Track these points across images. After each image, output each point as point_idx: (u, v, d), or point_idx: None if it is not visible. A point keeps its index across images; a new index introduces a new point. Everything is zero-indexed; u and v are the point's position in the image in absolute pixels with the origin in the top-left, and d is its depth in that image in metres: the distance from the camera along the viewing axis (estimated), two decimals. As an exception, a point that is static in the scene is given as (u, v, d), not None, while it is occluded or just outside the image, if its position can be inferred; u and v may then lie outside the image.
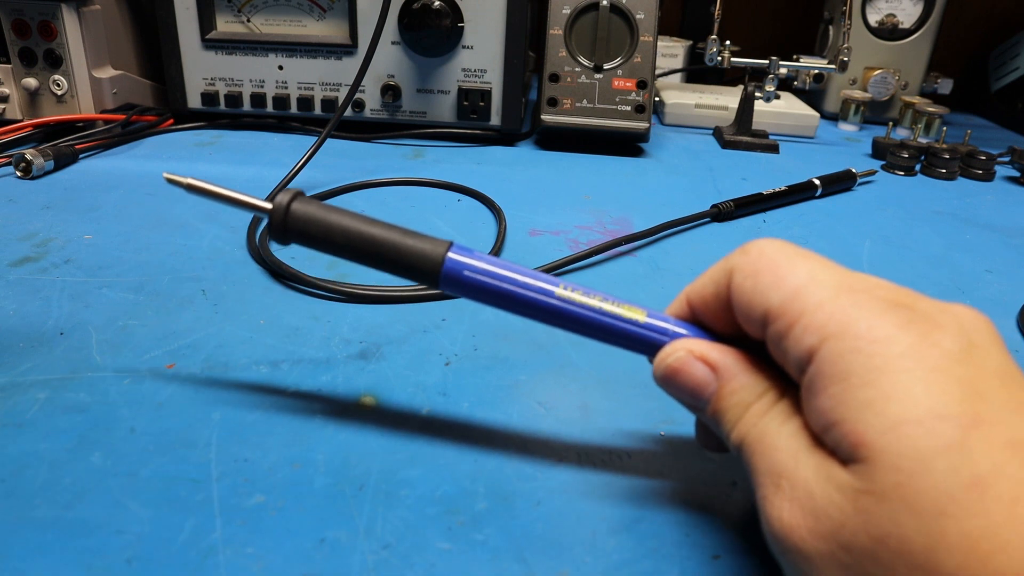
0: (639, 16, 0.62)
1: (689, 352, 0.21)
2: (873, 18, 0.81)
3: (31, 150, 0.51)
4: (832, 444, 0.17)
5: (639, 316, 0.22)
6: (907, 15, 0.80)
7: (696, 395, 0.21)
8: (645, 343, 0.22)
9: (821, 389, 0.18)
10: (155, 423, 0.27)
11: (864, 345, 0.17)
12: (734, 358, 0.21)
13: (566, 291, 0.22)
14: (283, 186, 0.49)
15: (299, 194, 0.23)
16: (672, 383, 0.22)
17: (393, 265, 0.23)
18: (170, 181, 0.23)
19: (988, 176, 0.65)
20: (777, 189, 0.53)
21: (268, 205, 0.23)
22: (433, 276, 0.23)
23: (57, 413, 0.27)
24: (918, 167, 0.66)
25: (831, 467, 0.17)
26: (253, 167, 0.56)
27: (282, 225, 0.23)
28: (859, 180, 0.60)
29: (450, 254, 0.23)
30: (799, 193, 0.54)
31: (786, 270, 0.19)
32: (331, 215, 0.23)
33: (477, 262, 0.23)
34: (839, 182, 0.58)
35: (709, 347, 0.21)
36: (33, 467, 0.24)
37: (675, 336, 0.22)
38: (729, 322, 0.22)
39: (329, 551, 0.22)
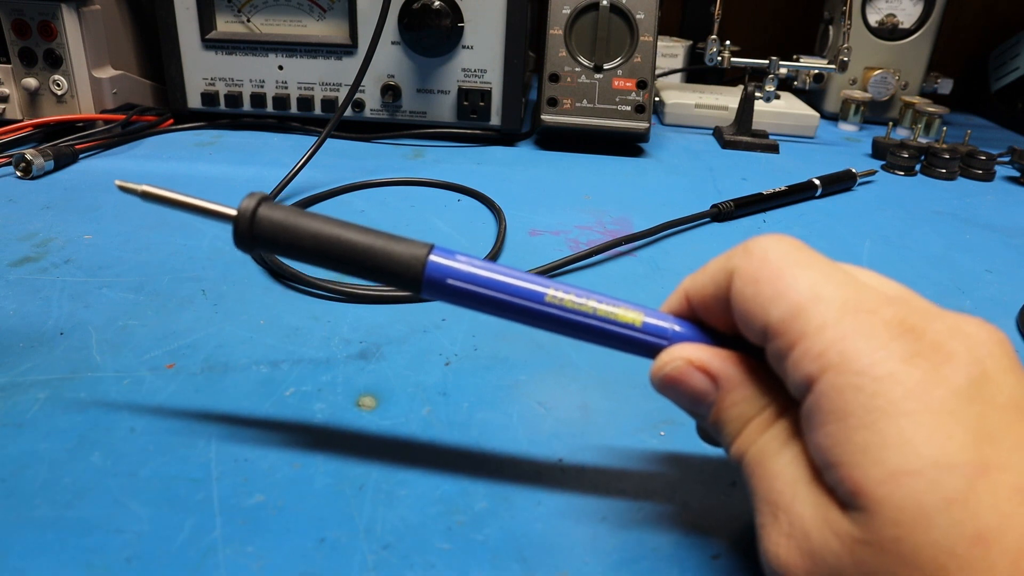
0: (639, 16, 0.62)
1: (688, 361, 0.20)
2: (873, 18, 0.81)
3: (31, 150, 0.51)
4: (831, 484, 0.17)
5: (635, 319, 0.21)
6: (907, 15, 0.80)
7: (695, 404, 0.21)
8: (643, 346, 0.21)
9: (819, 424, 0.17)
10: (155, 423, 0.27)
11: (866, 382, 0.16)
12: (735, 366, 0.20)
13: (557, 294, 0.21)
14: (282, 187, 0.49)
15: (266, 198, 0.22)
16: (670, 392, 0.21)
17: (370, 272, 0.21)
18: (123, 189, 0.22)
19: (988, 176, 0.65)
20: (777, 189, 0.53)
21: (232, 212, 0.22)
22: (415, 282, 0.21)
23: (57, 413, 0.27)
24: (918, 167, 0.66)
25: (829, 509, 0.17)
26: (253, 167, 0.56)
27: (248, 232, 0.21)
28: (859, 180, 0.60)
29: (432, 257, 0.21)
30: (799, 193, 0.54)
31: (788, 281, 0.18)
32: (301, 220, 0.21)
33: (461, 265, 0.21)
34: (839, 182, 0.58)
35: (710, 355, 0.20)
36: (33, 467, 0.24)
37: (674, 337, 0.21)
38: (730, 322, 0.21)
39: (329, 551, 0.22)
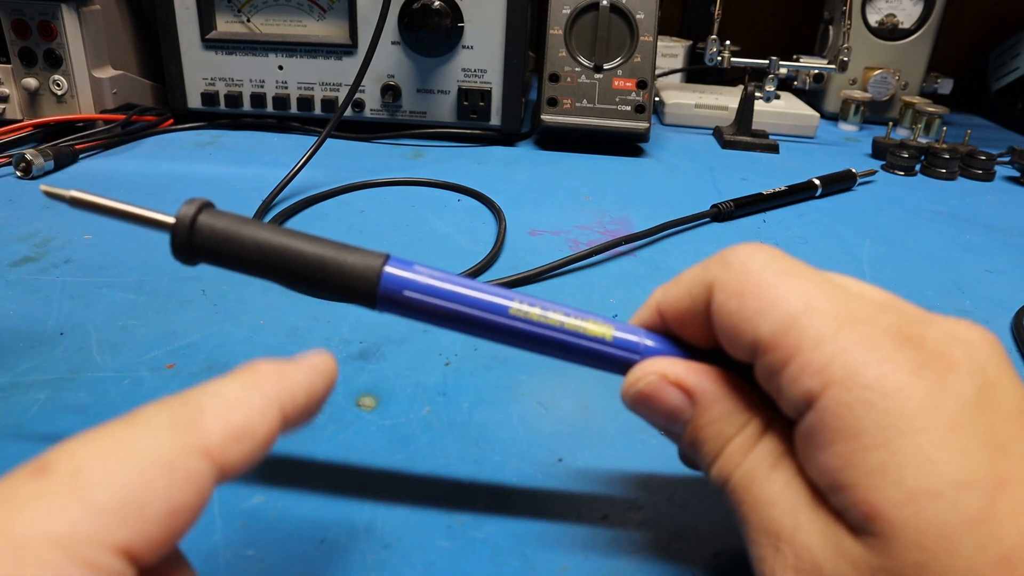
0: (639, 16, 0.62)
1: (662, 376, 0.19)
2: (873, 18, 0.81)
3: (31, 150, 0.51)
4: (839, 508, 0.16)
5: (605, 332, 0.20)
6: (907, 15, 0.80)
7: (670, 422, 0.20)
8: (613, 361, 0.20)
9: (826, 444, 0.16)
10: (155, 423, 0.27)
11: (876, 398, 0.15)
12: (712, 381, 0.19)
13: (522, 307, 0.20)
14: (282, 187, 0.49)
15: (207, 205, 0.20)
16: (643, 410, 0.20)
17: (321, 284, 0.20)
18: (49, 195, 0.19)
19: (988, 176, 0.65)
20: (777, 189, 0.53)
21: (170, 219, 0.20)
22: (369, 295, 0.20)
23: (57, 413, 0.27)
24: (918, 167, 0.66)
25: (839, 535, 0.16)
26: (253, 167, 0.56)
27: (187, 242, 0.20)
28: (859, 180, 0.60)
29: (387, 268, 0.20)
30: (799, 193, 0.54)
31: (776, 293, 0.17)
32: (246, 229, 0.20)
33: (419, 277, 0.20)
34: (839, 182, 0.58)
35: (685, 369, 0.19)
36: (33, 467, 0.24)
37: (646, 352, 0.20)
38: (706, 336, 0.20)
39: (329, 551, 0.22)
